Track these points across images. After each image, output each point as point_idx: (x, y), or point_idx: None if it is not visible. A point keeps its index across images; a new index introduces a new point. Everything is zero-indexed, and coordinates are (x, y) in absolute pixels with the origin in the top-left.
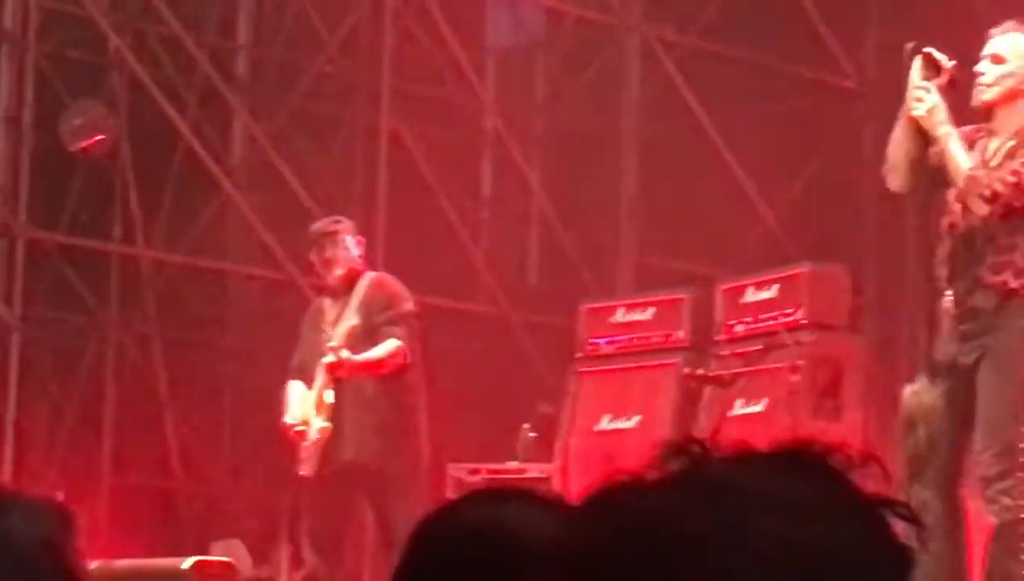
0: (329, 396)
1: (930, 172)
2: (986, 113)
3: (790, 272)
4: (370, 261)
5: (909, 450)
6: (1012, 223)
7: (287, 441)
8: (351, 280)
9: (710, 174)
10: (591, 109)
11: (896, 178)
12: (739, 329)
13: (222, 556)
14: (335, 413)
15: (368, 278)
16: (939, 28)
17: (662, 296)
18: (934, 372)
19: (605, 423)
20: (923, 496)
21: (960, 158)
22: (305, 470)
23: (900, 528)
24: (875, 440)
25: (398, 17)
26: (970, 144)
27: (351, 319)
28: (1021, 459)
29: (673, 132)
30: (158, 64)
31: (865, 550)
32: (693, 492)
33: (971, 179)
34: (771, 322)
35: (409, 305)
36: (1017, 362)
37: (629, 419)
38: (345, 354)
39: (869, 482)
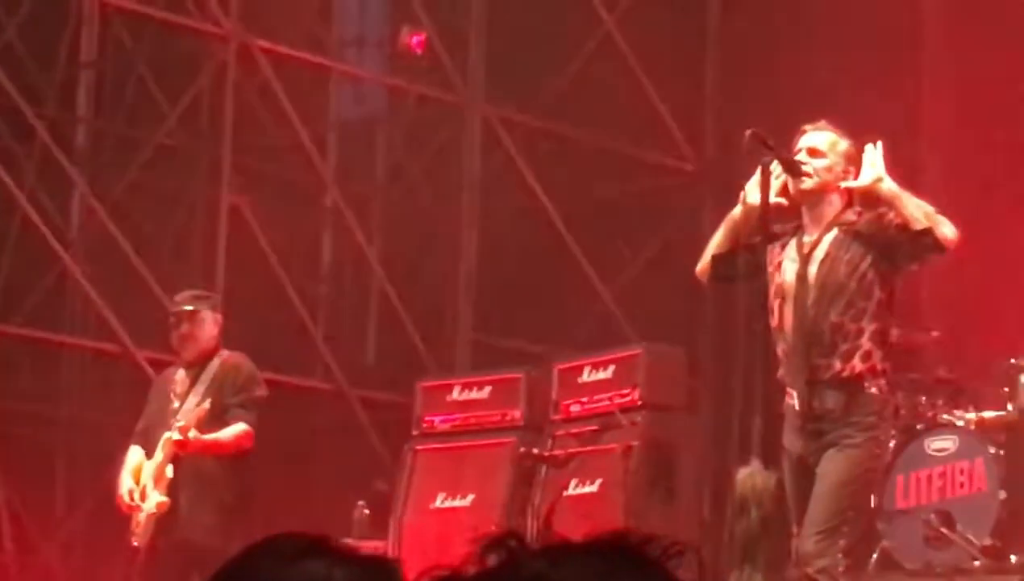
0: (170, 471)
1: (740, 270)
2: (805, 199)
3: (627, 353)
4: None
5: (741, 532)
6: (858, 308)
7: (119, 515)
8: (206, 356)
9: (549, 253)
10: (431, 186)
11: (700, 265)
12: (575, 409)
13: None
14: (173, 488)
15: (222, 356)
16: (775, 114)
17: (499, 375)
18: (775, 458)
19: (439, 501)
20: (755, 578)
21: (916, 202)
22: (137, 541)
23: None
24: (708, 522)
25: (239, 90)
26: (781, 247)
27: (203, 399)
28: (841, 541)
29: (513, 211)
30: None
31: None
32: None
33: (932, 216)
34: (607, 402)
35: (261, 390)
36: (860, 455)
37: (464, 498)
38: (193, 434)
39: (685, 572)
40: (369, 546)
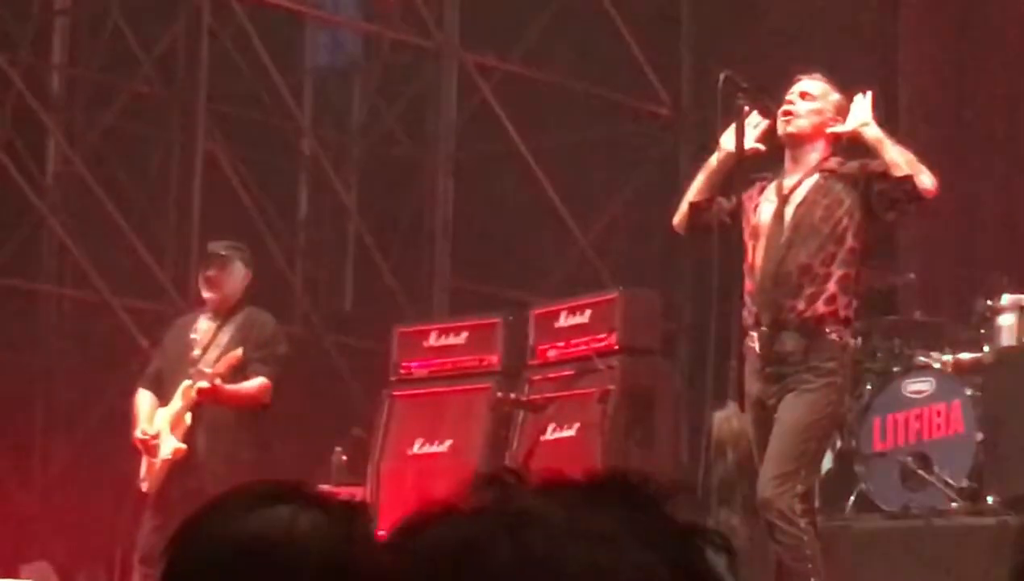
0: (188, 418)
1: (714, 216)
2: (791, 142)
3: (603, 297)
4: (184, 283)
5: (718, 475)
6: (828, 253)
7: (97, 464)
8: (228, 306)
9: (525, 198)
10: (408, 132)
11: (676, 216)
12: (552, 354)
13: (30, 578)
14: (189, 436)
15: (246, 311)
16: (751, 58)
17: (475, 320)
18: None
19: (417, 447)
20: (731, 522)
21: (899, 150)
22: (148, 486)
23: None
24: (686, 465)
25: (214, 37)
26: (760, 189)
27: (230, 349)
28: (799, 487)
29: (489, 156)
30: None
31: (674, 578)
32: (500, 522)
33: (914, 163)
34: (583, 347)
35: (284, 348)
36: (818, 400)
37: (441, 443)
38: (218, 382)
39: (681, 510)
40: (346, 492)
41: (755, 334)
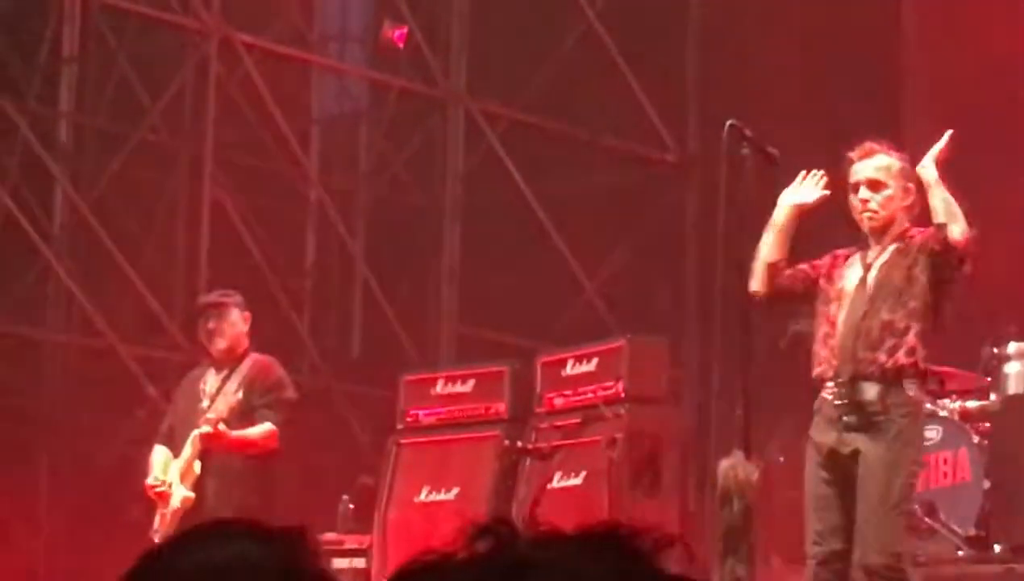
0: (198, 467)
1: (798, 282)
2: (874, 233)
3: (610, 345)
4: (193, 330)
5: (725, 524)
6: (908, 309)
7: (103, 513)
8: (235, 355)
9: (532, 246)
10: (414, 180)
11: (753, 281)
12: (559, 402)
13: None
14: (199, 485)
15: (252, 359)
16: (757, 104)
17: (483, 368)
18: (757, 449)
19: (424, 495)
20: (738, 571)
21: (944, 197)
22: (159, 537)
23: None
24: (692, 513)
25: (221, 85)
26: (843, 258)
27: (235, 396)
28: (898, 549)
29: (496, 203)
30: None
31: None
32: (495, 571)
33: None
34: (590, 395)
35: (290, 393)
36: (899, 456)
37: (448, 491)
38: (222, 427)
39: (677, 563)
40: (353, 540)
41: (831, 385)
